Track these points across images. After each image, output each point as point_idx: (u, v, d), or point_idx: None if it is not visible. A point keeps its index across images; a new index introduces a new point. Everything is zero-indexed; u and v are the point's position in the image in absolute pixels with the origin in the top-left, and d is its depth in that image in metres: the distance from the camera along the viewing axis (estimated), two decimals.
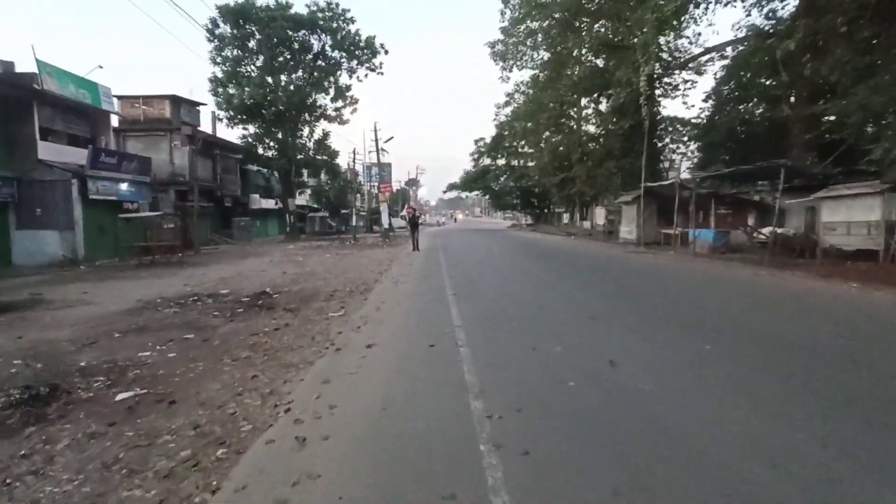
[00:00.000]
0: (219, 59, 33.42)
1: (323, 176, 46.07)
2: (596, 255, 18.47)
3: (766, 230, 15.38)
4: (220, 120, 34.90)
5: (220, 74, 34.02)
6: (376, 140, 30.87)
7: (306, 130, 38.39)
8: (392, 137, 31.69)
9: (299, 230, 38.83)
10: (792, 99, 20.61)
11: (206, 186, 32.20)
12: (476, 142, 56.38)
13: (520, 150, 51.37)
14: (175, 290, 11.25)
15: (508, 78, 37.25)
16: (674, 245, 19.05)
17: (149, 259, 19.50)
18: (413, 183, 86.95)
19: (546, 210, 54.72)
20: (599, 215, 30.90)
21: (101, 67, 46.95)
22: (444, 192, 60.83)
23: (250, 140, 35.52)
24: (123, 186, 21.88)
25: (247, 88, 32.77)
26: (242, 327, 7.22)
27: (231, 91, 33.09)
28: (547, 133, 37.97)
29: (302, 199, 52.96)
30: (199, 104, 33.60)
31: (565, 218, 45.50)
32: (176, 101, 30.25)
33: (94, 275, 15.29)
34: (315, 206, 53.42)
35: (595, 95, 29.31)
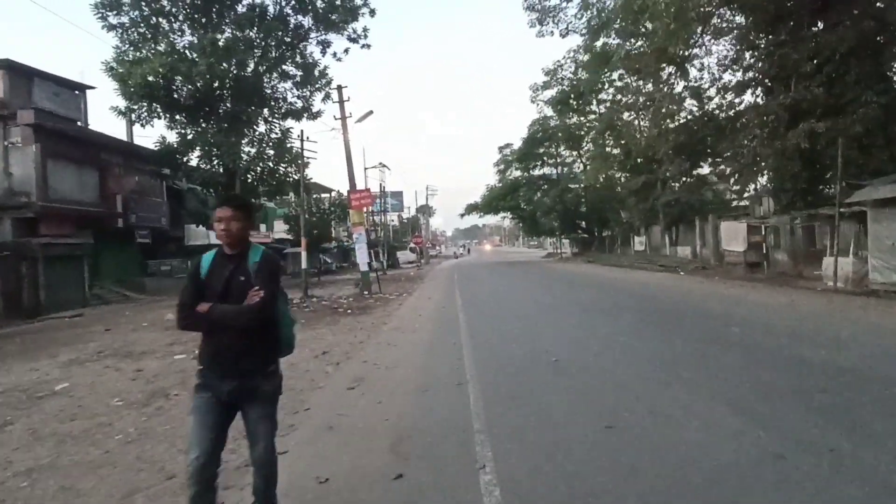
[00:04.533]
0: (112, 19, 21.66)
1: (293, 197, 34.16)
2: None
3: None
4: (122, 113, 22.98)
5: (122, 45, 22.34)
6: (342, 110, 18.51)
7: (262, 128, 26.51)
8: (371, 112, 19.48)
9: None
10: None
11: (82, 211, 20.11)
12: (501, 149, 44.05)
13: (560, 153, 39.22)
14: None
15: (552, 33, 25.23)
16: None
17: None
18: (424, 210, 74.72)
19: (598, 234, 41.59)
20: (735, 237, 17.84)
21: None
22: (462, 215, 48.28)
23: (171, 143, 23.54)
24: None
25: (152, 58, 20.95)
26: None
27: (130, 66, 21.17)
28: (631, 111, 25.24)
29: (280, 230, 41.28)
30: (81, 87, 21.91)
31: (637, 243, 32.31)
32: (17, 71, 18.45)
33: None
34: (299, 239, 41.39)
35: None
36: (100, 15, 21.38)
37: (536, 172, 42.26)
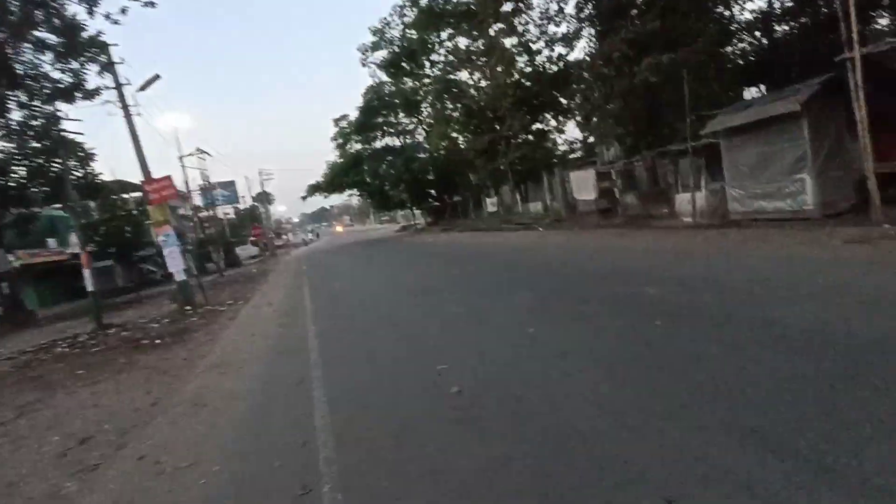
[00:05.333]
0: None
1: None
2: None
3: None
4: None
5: None
6: (115, 77, 14.25)
7: (17, 114, 20.55)
8: (158, 77, 15.42)
9: (24, 303, 20.39)
10: None
11: None
12: (337, 121, 40.81)
13: (400, 121, 37.54)
14: None
15: None
16: None
17: None
18: (262, 197, 68.02)
19: (449, 200, 40.90)
20: (585, 185, 17.71)
21: None
22: (304, 197, 44.14)
23: None
24: None
25: None
26: None
27: None
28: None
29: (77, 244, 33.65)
30: None
31: (489, 205, 31.98)
32: None
33: None
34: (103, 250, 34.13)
35: None
36: None
37: (379, 144, 39.92)
